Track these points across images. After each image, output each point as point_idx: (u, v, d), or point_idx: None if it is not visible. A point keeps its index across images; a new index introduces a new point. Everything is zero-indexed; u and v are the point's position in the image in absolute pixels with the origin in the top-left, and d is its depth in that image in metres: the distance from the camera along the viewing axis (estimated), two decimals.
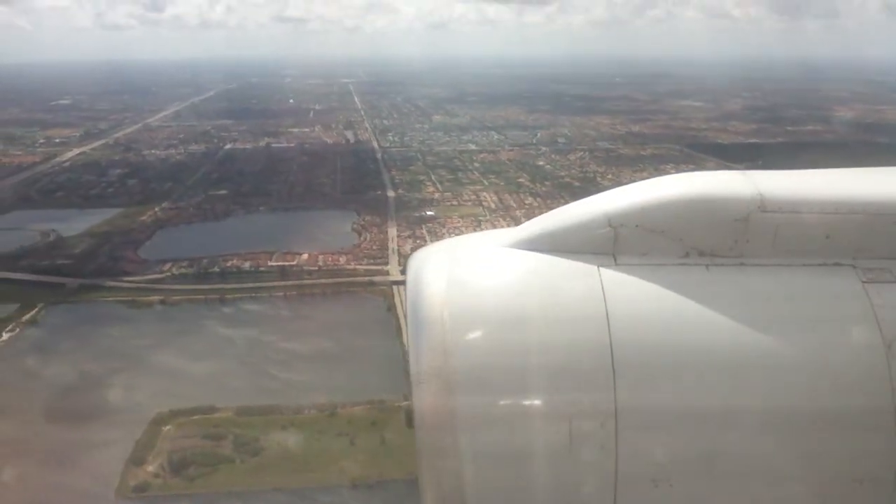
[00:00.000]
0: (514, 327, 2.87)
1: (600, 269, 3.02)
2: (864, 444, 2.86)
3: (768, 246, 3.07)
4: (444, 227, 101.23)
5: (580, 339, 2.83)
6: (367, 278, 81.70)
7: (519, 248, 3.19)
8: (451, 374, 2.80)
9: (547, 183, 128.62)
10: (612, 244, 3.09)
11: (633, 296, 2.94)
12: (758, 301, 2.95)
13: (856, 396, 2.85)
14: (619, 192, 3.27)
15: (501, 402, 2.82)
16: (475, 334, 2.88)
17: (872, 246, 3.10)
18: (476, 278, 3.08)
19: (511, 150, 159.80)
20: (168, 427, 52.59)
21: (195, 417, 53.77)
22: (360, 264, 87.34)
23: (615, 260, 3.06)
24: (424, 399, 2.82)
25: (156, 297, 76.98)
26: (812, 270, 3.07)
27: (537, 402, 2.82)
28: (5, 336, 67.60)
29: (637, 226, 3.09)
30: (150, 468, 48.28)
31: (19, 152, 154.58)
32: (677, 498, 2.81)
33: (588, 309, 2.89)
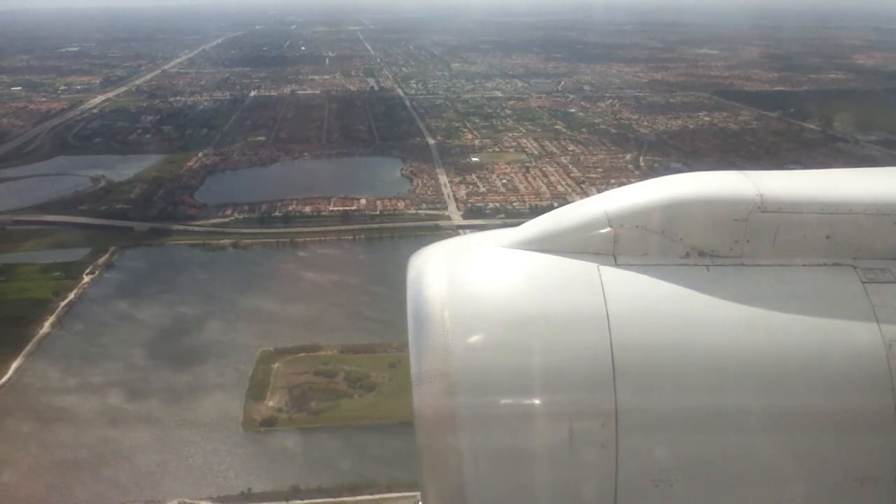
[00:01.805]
0: (515, 328, 2.87)
1: (601, 269, 3.02)
2: (864, 444, 2.85)
3: (768, 246, 3.07)
4: (492, 173, 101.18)
5: (580, 339, 2.84)
6: (431, 222, 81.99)
7: (519, 249, 3.18)
8: (451, 375, 2.79)
9: (584, 130, 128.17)
10: (612, 244, 3.09)
11: (634, 296, 2.95)
12: (758, 301, 2.94)
13: (856, 396, 2.85)
14: (619, 193, 3.29)
15: (502, 402, 2.82)
16: (476, 335, 2.88)
17: (872, 246, 3.10)
18: (476, 279, 3.09)
19: (539, 98, 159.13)
20: (277, 364, 53.42)
21: (301, 355, 54.59)
22: (420, 209, 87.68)
23: (615, 260, 3.07)
24: (425, 399, 2.82)
25: (227, 241, 77.32)
26: (812, 270, 3.07)
27: (538, 402, 2.81)
28: (86, 279, 67.90)
29: (637, 226, 3.09)
30: (271, 403, 49.21)
31: (44, 99, 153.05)
32: (678, 498, 2.81)
33: (588, 309, 2.89)
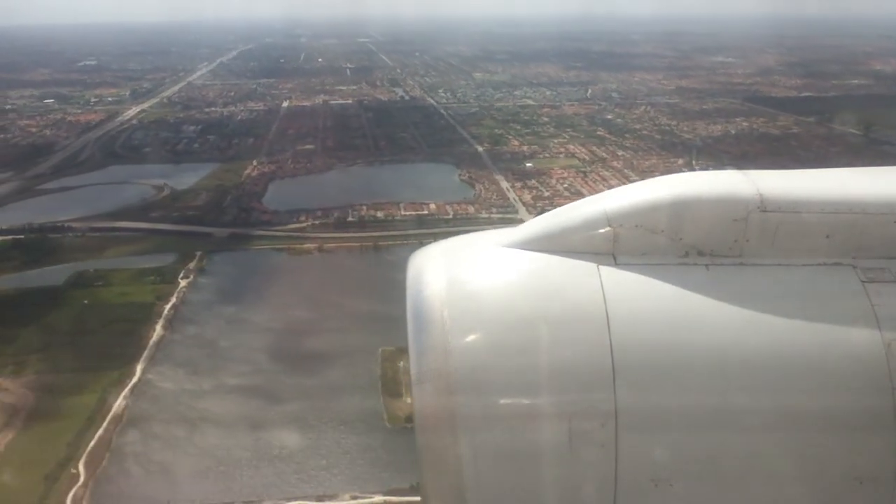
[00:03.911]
0: (515, 327, 2.88)
1: (600, 268, 3.02)
2: (864, 444, 2.85)
3: (768, 246, 3.07)
4: (551, 178, 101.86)
5: (580, 338, 2.83)
6: (508, 226, 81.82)
7: (519, 248, 3.16)
8: (451, 375, 2.79)
9: (627, 135, 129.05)
10: (611, 244, 3.08)
11: (633, 296, 2.95)
12: (757, 301, 2.94)
13: (856, 396, 2.85)
14: (619, 192, 3.29)
15: (501, 402, 2.82)
16: (475, 334, 2.88)
17: (872, 246, 3.09)
18: (476, 278, 3.08)
19: (572, 105, 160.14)
20: (402, 363, 53.41)
21: None
22: (491, 213, 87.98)
23: (615, 260, 3.06)
24: (425, 399, 2.83)
25: (311, 245, 77.38)
26: (812, 270, 3.06)
27: (537, 402, 2.82)
28: (182, 283, 67.83)
29: (637, 225, 3.08)
30: (410, 400, 49.01)
31: (79, 111, 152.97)
32: (677, 498, 2.82)
33: (588, 309, 2.89)
